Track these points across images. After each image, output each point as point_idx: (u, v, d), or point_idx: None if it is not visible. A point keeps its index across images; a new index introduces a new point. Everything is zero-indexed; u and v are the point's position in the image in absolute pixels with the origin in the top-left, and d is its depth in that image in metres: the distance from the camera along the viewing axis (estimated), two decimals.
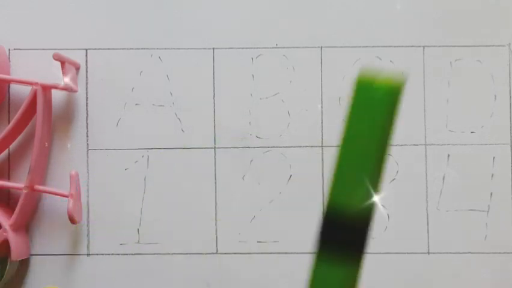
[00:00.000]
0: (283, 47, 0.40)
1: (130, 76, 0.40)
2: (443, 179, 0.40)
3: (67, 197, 0.38)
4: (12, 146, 0.40)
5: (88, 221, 0.40)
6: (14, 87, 0.40)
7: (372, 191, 0.24)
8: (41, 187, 0.38)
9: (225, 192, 0.40)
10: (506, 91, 0.40)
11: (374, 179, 0.24)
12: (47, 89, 0.38)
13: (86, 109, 0.40)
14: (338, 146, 0.23)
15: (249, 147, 0.40)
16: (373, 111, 0.23)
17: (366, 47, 0.40)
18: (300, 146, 0.40)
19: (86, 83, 0.40)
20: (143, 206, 0.40)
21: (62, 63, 0.37)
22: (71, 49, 0.40)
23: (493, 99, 0.40)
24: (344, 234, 0.24)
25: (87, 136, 0.40)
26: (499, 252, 0.39)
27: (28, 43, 0.40)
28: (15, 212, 0.38)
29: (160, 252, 0.40)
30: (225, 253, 0.40)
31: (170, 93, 0.40)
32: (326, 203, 0.24)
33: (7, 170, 0.40)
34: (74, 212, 0.38)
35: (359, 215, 0.24)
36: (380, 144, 0.23)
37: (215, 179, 0.40)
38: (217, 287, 0.39)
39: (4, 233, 0.38)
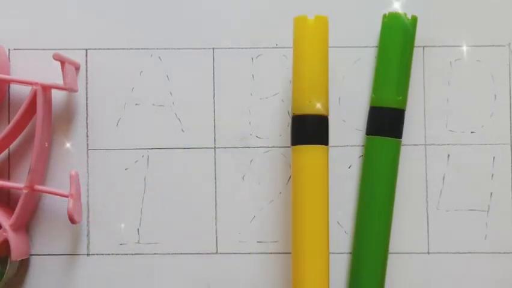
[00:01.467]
0: (283, 47, 0.40)
1: (130, 76, 0.40)
2: (443, 179, 0.40)
3: (66, 197, 0.38)
4: (12, 146, 0.40)
5: (88, 221, 0.40)
6: (14, 87, 0.40)
7: (405, 88, 0.38)
8: (41, 187, 0.38)
9: (225, 192, 0.40)
10: (506, 91, 0.40)
11: (404, 80, 0.38)
12: (47, 89, 0.38)
13: (86, 109, 0.40)
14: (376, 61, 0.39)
15: (249, 147, 0.40)
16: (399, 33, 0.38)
17: (366, 47, 0.40)
18: None
19: (86, 83, 0.40)
20: (143, 206, 0.40)
21: (62, 63, 0.37)
22: (71, 49, 0.40)
23: (493, 99, 0.40)
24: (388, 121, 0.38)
25: (87, 136, 0.40)
26: (499, 252, 0.39)
27: (28, 43, 0.40)
28: (15, 212, 0.38)
29: (160, 252, 0.40)
30: (225, 253, 0.40)
31: (170, 93, 0.40)
32: (371, 100, 0.39)
33: (7, 170, 0.40)
34: (74, 212, 0.38)
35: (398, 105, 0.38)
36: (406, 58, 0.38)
37: (215, 179, 0.40)
38: (217, 287, 0.39)
39: (4, 233, 0.38)
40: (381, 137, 0.38)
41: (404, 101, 0.38)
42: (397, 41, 0.38)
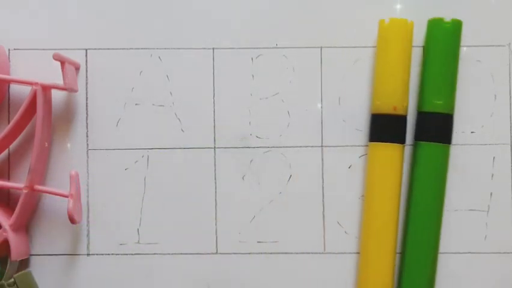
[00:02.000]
0: (283, 47, 0.40)
1: (130, 76, 0.40)
2: None
3: (66, 197, 0.38)
4: (12, 146, 0.40)
5: (88, 221, 0.40)
6: (14, 87, 0.40)
7: (454, 93, 0.38)
8: (41, 187, 0.38)
9: (225, 192, 0.40)
10: (506, 91, 0.40)
11: (454, 85, 0.38)
12: (47, 89, 0.38)
13: (86, 109, 0.40)
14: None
15: (249, 147, 0.40)
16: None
17: (366, 47, 0.40)
18: (300, 146, 0.40)
19: (86, 83, 0.40)
20: (143, 206, 0.40)
21: (62, 63, 0.37)
22: (71, 49, 0.40)
23: (493, 99, 0.40)
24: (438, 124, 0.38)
25: (87, 136, 0.40)
26: (499, 252, 0.39)
27: (28, 43, 0.40)
28: (15, 212, 0.38)
29: (160, 252, 0.40)
30: (225, 253, 0.40)
31: (170, 93, 0.40)
32: (419, 105, 0.39)
33: (7, 170, 0.40)
34: (74, 212, 0.38)
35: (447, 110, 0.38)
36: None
37: (215, 179, 0.40)
38: (217, 287, 0.39)
39: (4, 233, 0.38)
40: (433, 143, 0.38)
41: (454, 106, 0.38)
42: (446, 46, 0.38)
